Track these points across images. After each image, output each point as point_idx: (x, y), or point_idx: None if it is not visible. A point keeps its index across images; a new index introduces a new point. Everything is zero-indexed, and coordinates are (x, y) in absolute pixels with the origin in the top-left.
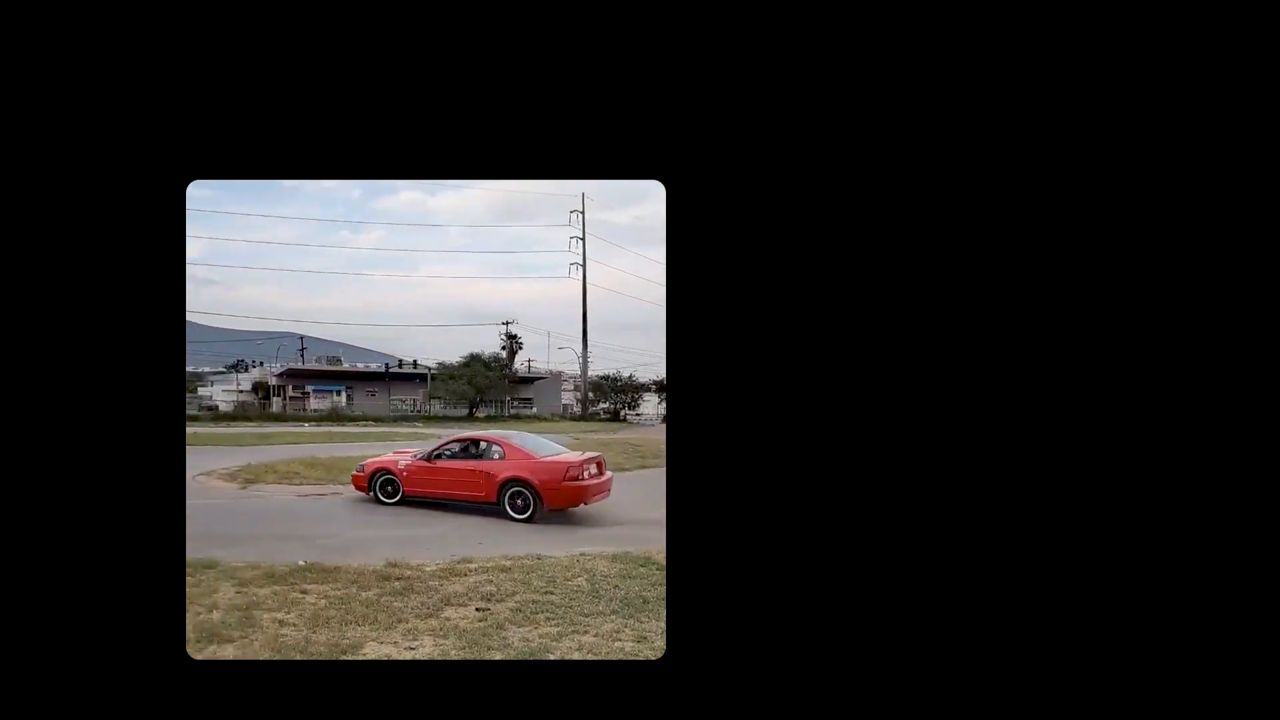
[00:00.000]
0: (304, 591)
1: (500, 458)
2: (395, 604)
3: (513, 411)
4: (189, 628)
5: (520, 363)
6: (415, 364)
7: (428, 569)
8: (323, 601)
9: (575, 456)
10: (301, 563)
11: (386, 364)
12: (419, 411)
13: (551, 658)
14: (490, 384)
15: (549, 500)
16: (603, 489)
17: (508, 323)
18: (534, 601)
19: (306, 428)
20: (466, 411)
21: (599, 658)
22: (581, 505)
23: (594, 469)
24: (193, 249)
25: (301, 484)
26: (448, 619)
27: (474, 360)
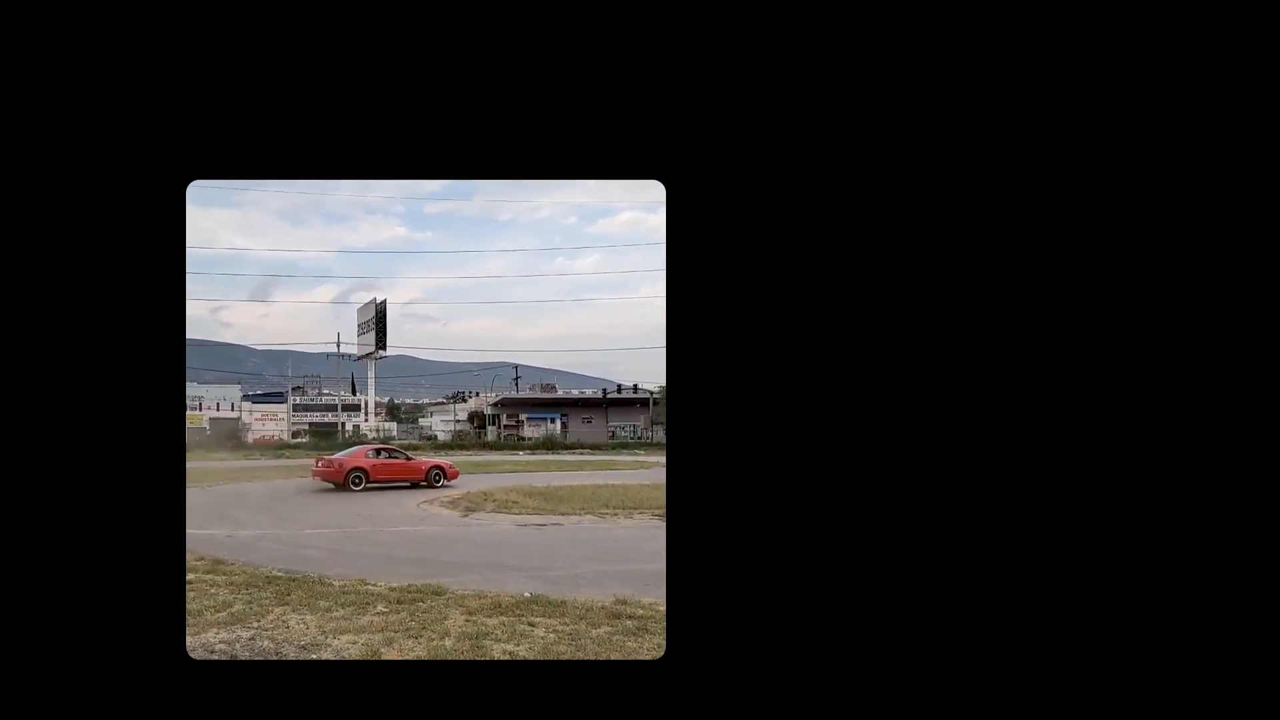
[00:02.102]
0: (531, 624)
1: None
2: (629, 644)
3: None
4: (425, 652)
5: None
6: (635, 388)
7: (661, 608)
8: (551, 635)
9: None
10: (527, 594)
11: (604, 390)
12: (639, 438)
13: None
14: None
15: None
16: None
17: None
18: None
19: (521, 455)
20: None
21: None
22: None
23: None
24: (414, 289)
25: (520, 513)
26: None
27: None
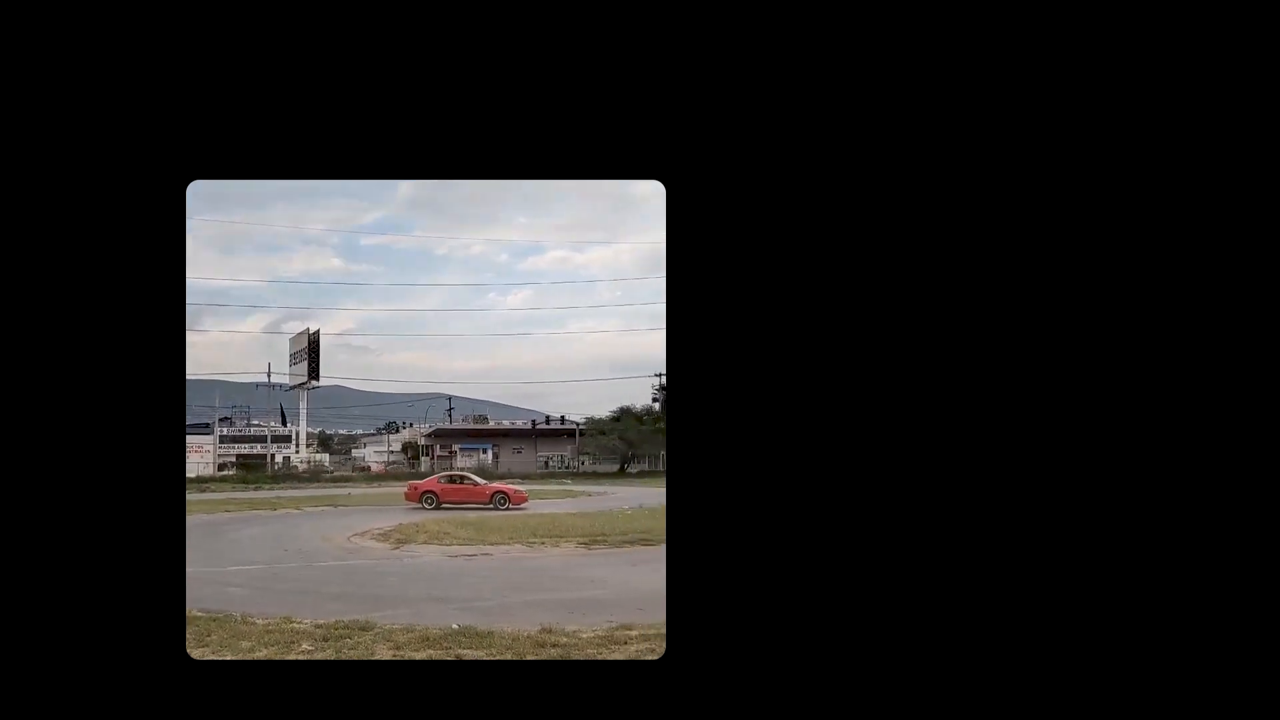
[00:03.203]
0: (459, 657)
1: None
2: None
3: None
4: None
5: None
6: (563, 419)
7: (584, 635)
8: None
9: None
10: (455, 626)
11: (534, 420)
12: (568, 468)
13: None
14: (642, 437)
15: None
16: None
17: (660, 374)
18: None
19: None
20: (618, 466)
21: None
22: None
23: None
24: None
25: (451, 544)
26: None
27: (624, 414)
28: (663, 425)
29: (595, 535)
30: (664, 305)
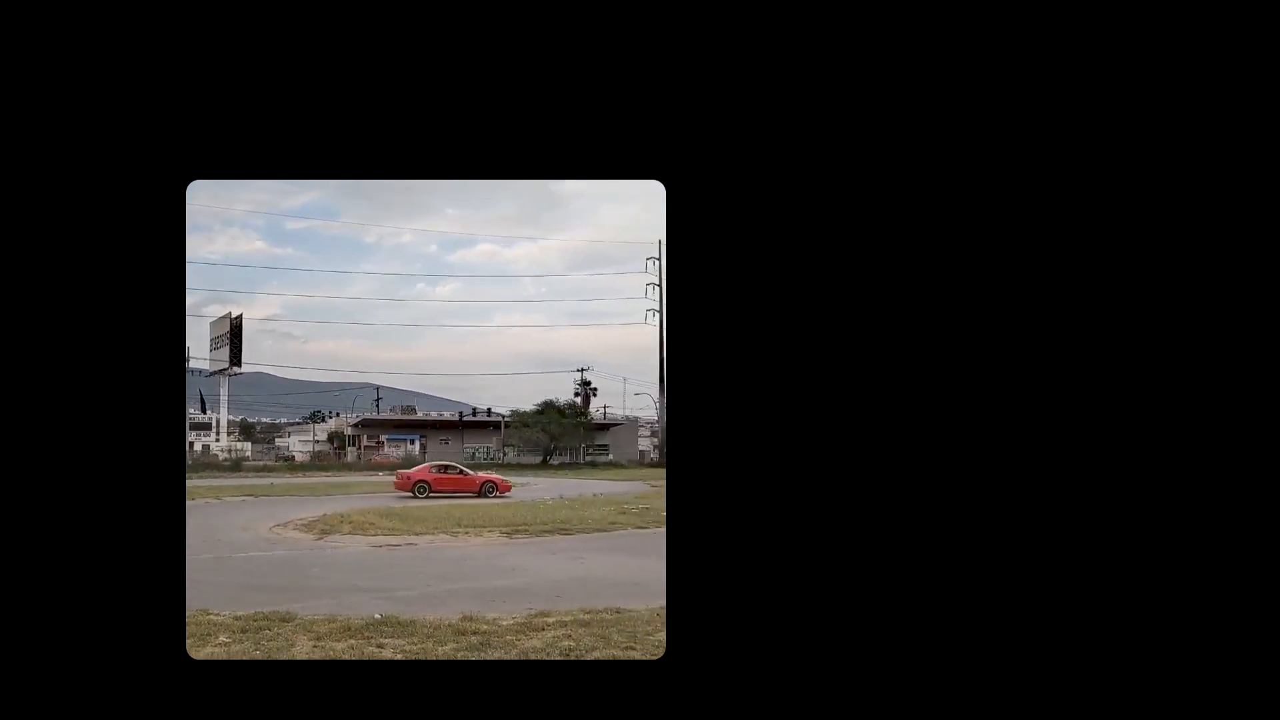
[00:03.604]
0: (380, 646)
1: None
2: (472, 659)
3: (588, 458)
4: None
5: (596, 409)
6: (489, 412)
7: (504, 623)
8: (398, 656)
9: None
10: (377, 616)
11: (460, 412)
12: (493, 459)
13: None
14: (565, 431)
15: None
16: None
17: (583, 369)
18: (615, 659)
19: (380, 476)
20: (541, 458)
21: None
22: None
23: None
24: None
25: (376, 534)
26: None
27: (548, 407)
28: (583, 419)
29: (517, 525)
30: (593, 303)
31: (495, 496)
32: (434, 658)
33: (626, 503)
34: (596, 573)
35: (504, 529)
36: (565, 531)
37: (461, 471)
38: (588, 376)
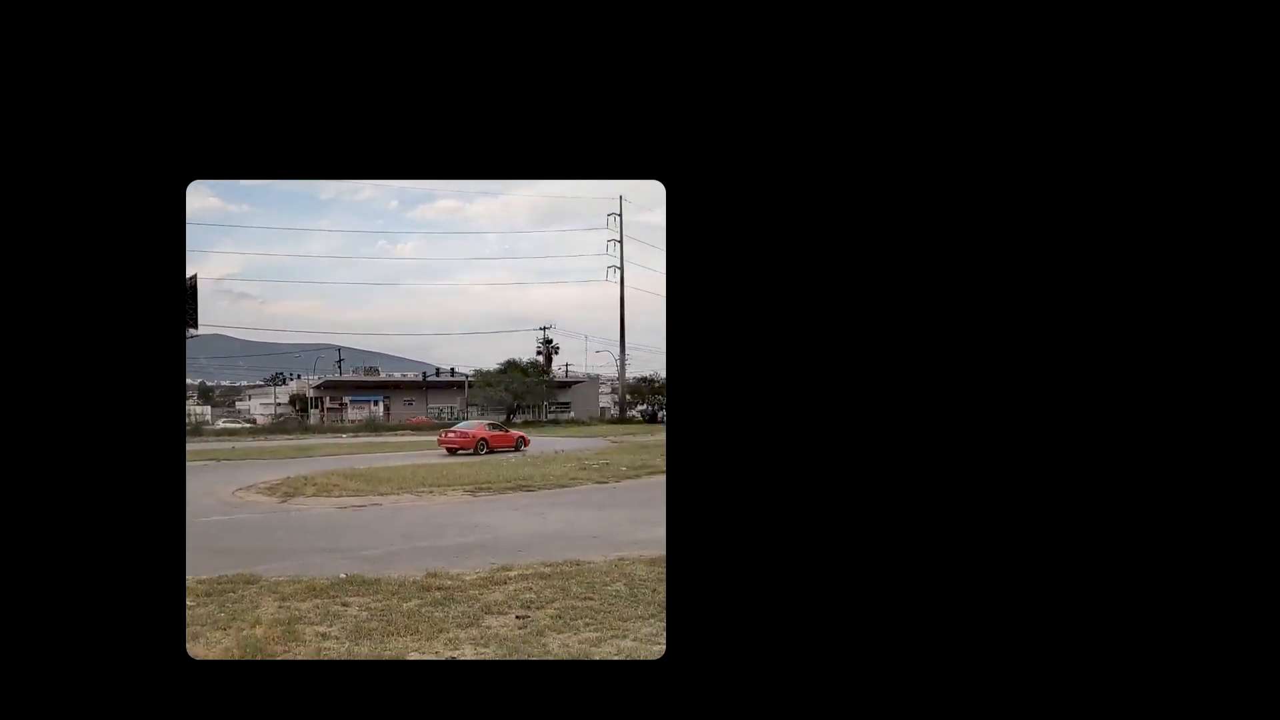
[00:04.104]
0: (345, 604)
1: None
2: (436, 614)
3: (550, 416)
4: (234, 644)
5: (558, 367)
6: (453, 371)
7: (468, 578)
8: (364, 614)
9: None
10: (343, 576)
11: (424, 373)
12: (457, 418)
13: (554, 658)
14: (527, 389)
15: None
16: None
17: (545, 328)
18: (574, 608)
19: (345, 439)
20: (504, 417)
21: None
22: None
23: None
24: (229, 264)
25: (341, 495)
26: (488, 627)
27: (511, 366)
28: (545, 378)
29: (480, 483)
30: (555, 260)
31: (522, 451)
32: (399, 614)
33: (586, 459)
34: (556, 527)
35: (467, 486)
36: (527, 488)
37: (504, 430)
38: (549, 335)
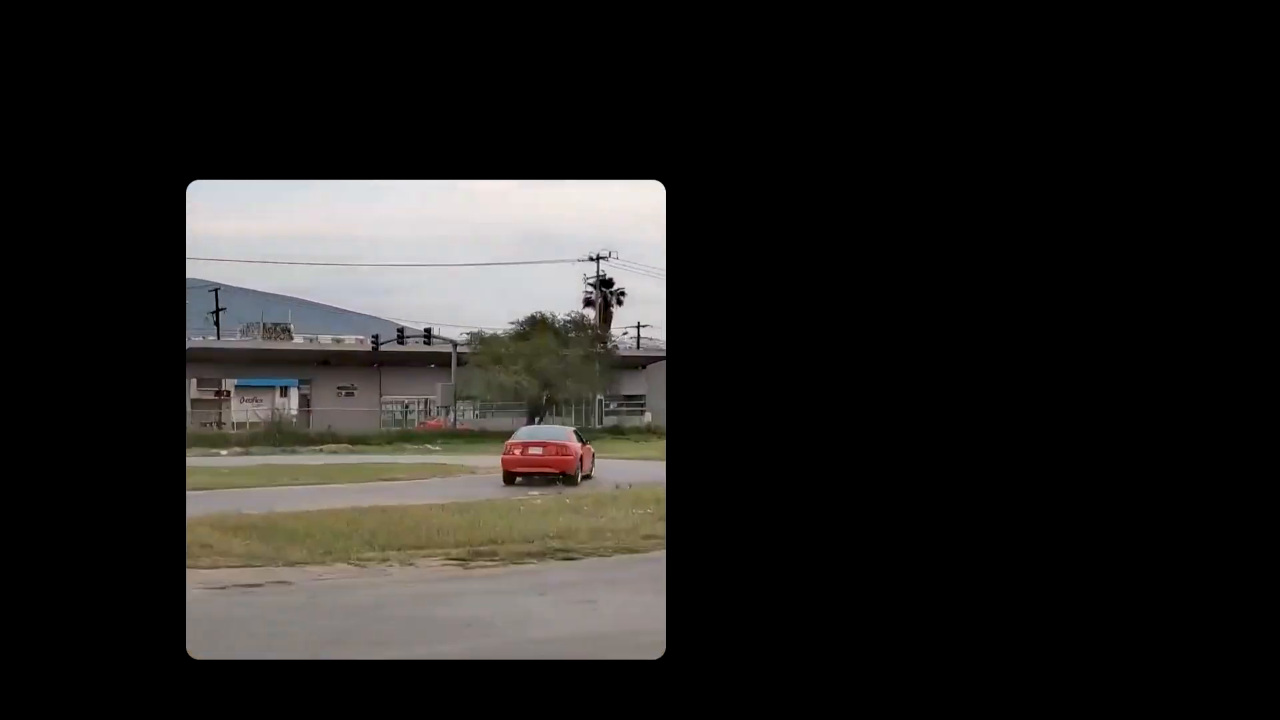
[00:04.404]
0: None
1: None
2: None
3: (609, 416)
4: None
5: (622, 330)
6: (429, 335)
7: None
8: None
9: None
10: None
11: (375, 336)
12: (436, 417)
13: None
14: (568, 371)
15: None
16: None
17: (599, 257)
18: None
19: (224, 456)
20: (527, 418)
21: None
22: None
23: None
24: None
25: (214, 566)
26: None
27: (536, 327)
28: (601, 348)
29: (477, 542)
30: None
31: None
32: None
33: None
34: (616, 627)
35: (455, 549)
36: (567, 554)
37: (584, 441)
38: (607, 271)
